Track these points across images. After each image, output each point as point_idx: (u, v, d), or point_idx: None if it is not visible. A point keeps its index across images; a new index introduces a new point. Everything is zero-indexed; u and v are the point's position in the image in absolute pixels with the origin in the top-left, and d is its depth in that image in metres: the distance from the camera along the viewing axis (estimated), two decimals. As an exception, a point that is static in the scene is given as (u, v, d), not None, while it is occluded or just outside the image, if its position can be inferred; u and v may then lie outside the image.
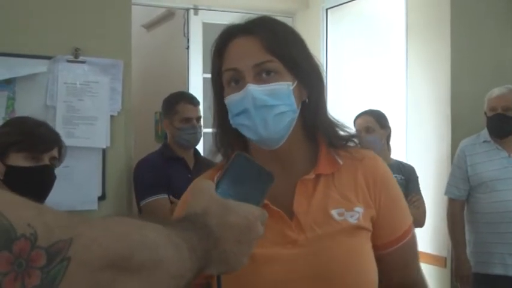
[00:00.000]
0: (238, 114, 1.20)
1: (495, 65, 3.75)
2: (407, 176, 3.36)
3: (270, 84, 1.19)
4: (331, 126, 1.30)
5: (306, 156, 1.29)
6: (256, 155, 1.25)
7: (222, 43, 1.24)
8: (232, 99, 1.21)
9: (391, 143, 3.50)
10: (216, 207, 0.86)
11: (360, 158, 1.29)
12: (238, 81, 1.20)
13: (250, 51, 1.19)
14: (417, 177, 3.40)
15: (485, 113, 3.36)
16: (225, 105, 1.23)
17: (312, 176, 1.25)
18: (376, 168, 1.30)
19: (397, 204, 1.31)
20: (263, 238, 1.19)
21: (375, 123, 3.36)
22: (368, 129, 3.33)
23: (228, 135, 1.27)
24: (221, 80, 1.24)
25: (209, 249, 0.81)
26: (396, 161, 3.46)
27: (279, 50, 1.20)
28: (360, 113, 3.46)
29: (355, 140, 1.33)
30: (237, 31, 1.23)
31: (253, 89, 1.17)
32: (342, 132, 1.31)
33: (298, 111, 1.24)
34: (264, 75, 1.19)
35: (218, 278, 0.98)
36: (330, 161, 1.28)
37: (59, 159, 2.04)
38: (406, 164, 3.48)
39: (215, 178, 0.98)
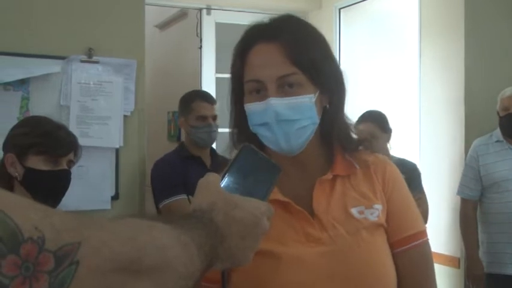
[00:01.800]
0: (259, 125, 1.20)
1: (509, 65, 3.72)
2: (408, 175, 3.23)
3: (293, 97, 1.17)
4: (346, 130, 1.30)
5: (322, 158, 1.29)
6: (272, 156, 1.25)
7: (245, 46, 1.22)
8: (252, 109, 1.20)
9: (392, 140, 3.33)
10: (222, 203, 0.85)
11: (370, 161, 1.30)
12: (260, 91, 1.19)
13: (273, 62, 1.17)
14: (419, 175, 3.30)
15: (498, 113, 3.35)
16: (242, 100, 1.23)
17: (329, 176, 1.26)
18: (386, 169, 1.31)
19: (407, 206, 1.31)
20: (287, 237, 1.18)
21: (376, 130, 3.21)
22: (372, 137, 3.15)
23: (245, 135, 1.27)
24: (241, 83, 1.23)
25: (216, 245, 0.81)
26: (398, 158, 3.30)
27: (303, 61, 1.18)
28: (363, 116, 3.26)
29: (367, 144, 1.34)
30: (260, 35, 1.21)
31: (276, 103, 1.16)
32: (354, 136, 1.32)
33: (319, 121, 1.23)
34: (286, 87, 1.17)
35: (223, 273, 0.97)
36: (347, 163, 1.28)
37: (74, 161, 2.05)
38: (408, 161, 3.36)
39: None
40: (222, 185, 0.90)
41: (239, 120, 1.27)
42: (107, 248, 0.63)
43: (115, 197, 3.30)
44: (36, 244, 0.57)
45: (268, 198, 0.93)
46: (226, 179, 0.92)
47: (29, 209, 0.60)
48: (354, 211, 1.23)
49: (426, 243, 1.30)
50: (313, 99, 1.19)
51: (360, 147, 1.32)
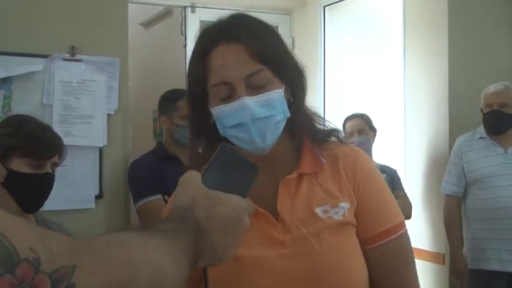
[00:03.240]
0: (232, 127, 1.17)
1: (493, 62, 3.74)
2: (391, 176, 3.51)
3: (264, 94, 1.16)
4: (311, 121, 1.29)
5: (290, 155, 1.27)
6: None
7: (205, 49, 1.18)
8: (223, 112, 1.17)
9: (374, 147, 3.64)
10: (203, 198, 0.86)
11: (341, 153, 1.27)
12: (228, 94, 1.16)
13: (238, 62, 1.15)
14: (399, 178, 3.58)
15: (482, 110, 3.37)
16: (205, 106, 1.20)
17: (294, 175, 1.24)
18: (357, 160, 1.27)
19: (381, 197, 1.27)
20: (249, 240, 1.15)
21: (365, 125, 3.58)
22: (361, 131, 3.55)
23: (207, 132, 1.25)
24: (204, 86, 1.19)
25: (199, 243, 0.81)
26: (380, 165, 3.53)
27: (267, 56, 1.16)
28: (349, 116, 3.67)
29: (337, 134, 1.31)
30: (219, 37, 1.18)
31: (249, 102, 1.14)
32: (321, 126, 1.30)
33: (289, 115, 1.22)
34: (255, 85, 1.16)
35: (204, 270, 0.97)
36: (314, 160, 1.26)
37: (59, 162, 2.02)
38: (389, 167, 3.60)
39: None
40: (202, 183, 0.91)
41: (203, 127, 1.24)
42: (101, 271, 0.64)
43: (99, 196, 3.28)
44: (32, 265, 0.58)
45: (247, 196, 0.95)
46: (206, 176, 0.93)
47: (25, 230, 0.60)
48: (318, 211, 1.20)
49: (403, 236, 1.25)
50: (282, 93, 1.19)
51: (332, 138, 1.30)
